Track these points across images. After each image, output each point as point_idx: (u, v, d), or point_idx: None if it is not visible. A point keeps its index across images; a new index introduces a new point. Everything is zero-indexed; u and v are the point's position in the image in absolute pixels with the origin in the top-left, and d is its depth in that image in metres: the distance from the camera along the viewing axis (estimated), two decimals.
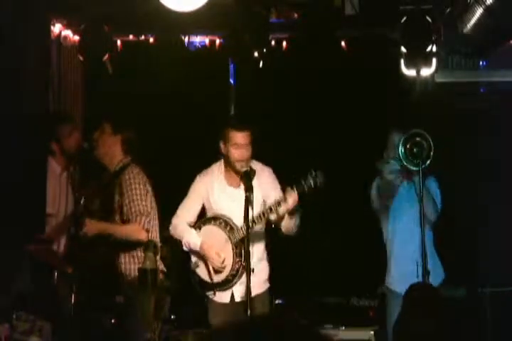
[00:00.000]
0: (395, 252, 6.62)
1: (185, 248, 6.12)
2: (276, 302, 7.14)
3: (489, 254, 7.27)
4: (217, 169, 6.15)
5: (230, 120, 6.37)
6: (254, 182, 5.77)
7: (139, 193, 6.13)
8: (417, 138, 6.42)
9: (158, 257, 5.94)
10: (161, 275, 5.91)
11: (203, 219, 6.15)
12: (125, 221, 6.13)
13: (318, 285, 7.51)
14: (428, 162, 6.35)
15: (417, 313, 4.15)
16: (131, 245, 6.13)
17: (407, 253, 6.51)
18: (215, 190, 6.11)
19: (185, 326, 6.61)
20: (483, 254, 7.30)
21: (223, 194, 6.10)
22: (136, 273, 5.71)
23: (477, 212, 7.38)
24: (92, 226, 6.08)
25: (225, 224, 6.01)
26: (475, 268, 7.26)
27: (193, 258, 6.11)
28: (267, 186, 6.03)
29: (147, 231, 6.13)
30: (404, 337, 4.13)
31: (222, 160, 6.13)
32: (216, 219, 6.06)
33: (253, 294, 5.85)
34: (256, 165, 5.98)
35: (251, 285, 5.64)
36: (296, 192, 5.72)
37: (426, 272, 6.20)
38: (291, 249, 6.65)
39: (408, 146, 6.41)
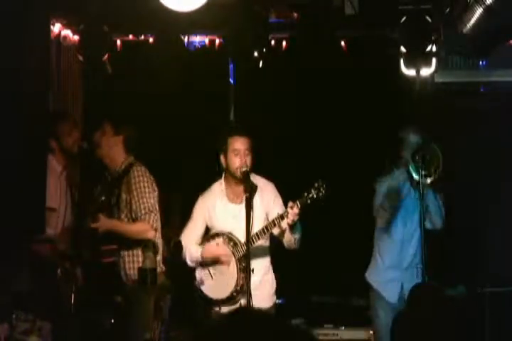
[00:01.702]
0: (389, 257, 6.58)
1: (189, 262, 6.01)
2: (276, 302, 7.14)
3: (489, 254, 7.27)
4: (219, 187, 6.09)
5: (227, 129, 6.28)
6: (257, 199, 5.73)
7: (147, 191, 6.13)
8: (428, 157, 6.29)
9: (158, 257, 5.95)
10: (161, 276, 5.91)
11: (206, 236, 6.10)
12: (133, 219, 6.13)
13: (317, 285, 7.51)
14: (432, 178, 6.27)
15: (420, 313, 4.14)
16: (133, 244, 6.13)
17: (407, 256, 6.51)
18: (216, 208, 6.06)
19: (185, 326, 6.60)
20: (483, 254, 7.30)
21: (225, 211, 6.04)
22: (137, 273, 5.72)
23: (477, 212, 7.38)
24: (105, 223, 6.08)
25: (229, 239, 5.97)
26: (475, 268, 7.26)
27: (198, 276, 6.04)
28: (269, 202, 5.96)
29: (155, 230, 6.13)
30: (405, 337, 4.13)
31: (223, 177, 6.07)
32: (219, 235, 6.01)
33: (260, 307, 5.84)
34: (259, 181, 5.86)
35: (258, 298, 5.63)
36: (298, 205, 5.64)
37: (426, 273, 6.20)
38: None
39: (418, 158, 6.27)
